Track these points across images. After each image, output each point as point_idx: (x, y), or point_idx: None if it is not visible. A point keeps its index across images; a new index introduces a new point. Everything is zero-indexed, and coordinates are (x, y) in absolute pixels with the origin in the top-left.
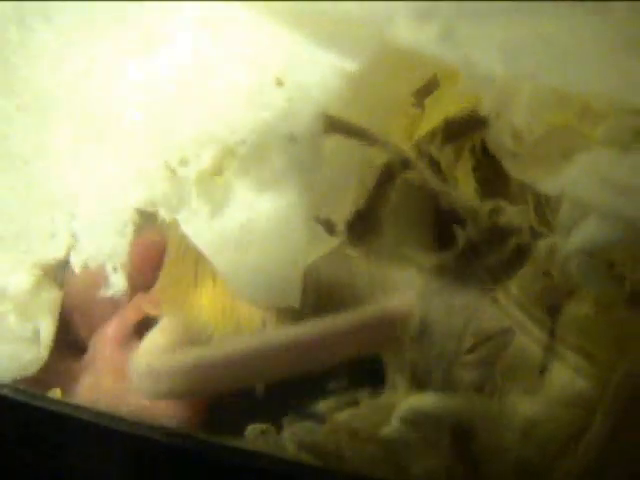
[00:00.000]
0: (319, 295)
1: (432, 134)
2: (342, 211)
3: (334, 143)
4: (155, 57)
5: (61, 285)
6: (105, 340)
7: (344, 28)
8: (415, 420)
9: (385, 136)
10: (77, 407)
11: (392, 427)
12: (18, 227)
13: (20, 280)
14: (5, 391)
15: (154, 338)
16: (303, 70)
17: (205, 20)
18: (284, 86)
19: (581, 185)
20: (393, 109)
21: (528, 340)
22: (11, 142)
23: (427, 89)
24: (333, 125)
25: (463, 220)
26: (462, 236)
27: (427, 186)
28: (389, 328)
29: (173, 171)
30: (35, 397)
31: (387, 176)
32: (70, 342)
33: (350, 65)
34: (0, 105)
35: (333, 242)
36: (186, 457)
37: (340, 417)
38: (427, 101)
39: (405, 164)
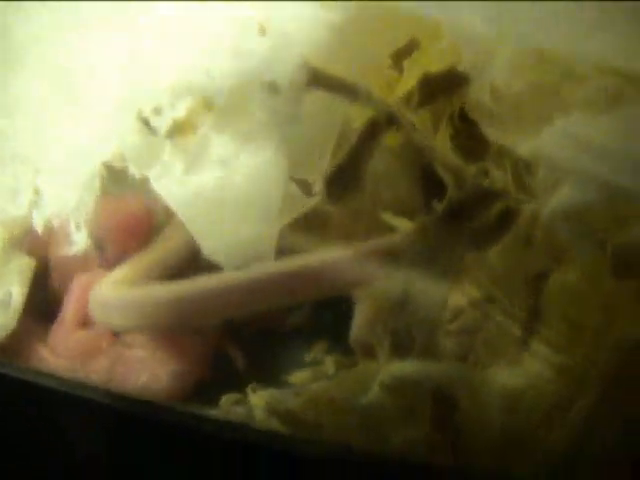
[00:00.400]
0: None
1: (409, 95)
2: (319, 171)
3: (314, 98)
4: (133, 6)
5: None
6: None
7: None
8: (396, 387)
9: (370, 91)
10: (44, 374)
11: (372, 394)
12: None
13: None
14: None
15: (123, 271)
16: (286, 19)
17: None
18: (267, 34)
19: (557, 148)
20: (371, 69)
21: (504, 315)
22: None
23: (406, 51)
24: (316, 77)
25: (446, 181)
26: (446, 198)
27: (411, 143)
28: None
29: (145, 121)
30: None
31: (371, 132)
32: (42, 308)
33: (334, 17)
34: None
35: (309, 203)
36: (157, 427)
37: (317, 386)
38: (405, 63)
39: (390, 120)
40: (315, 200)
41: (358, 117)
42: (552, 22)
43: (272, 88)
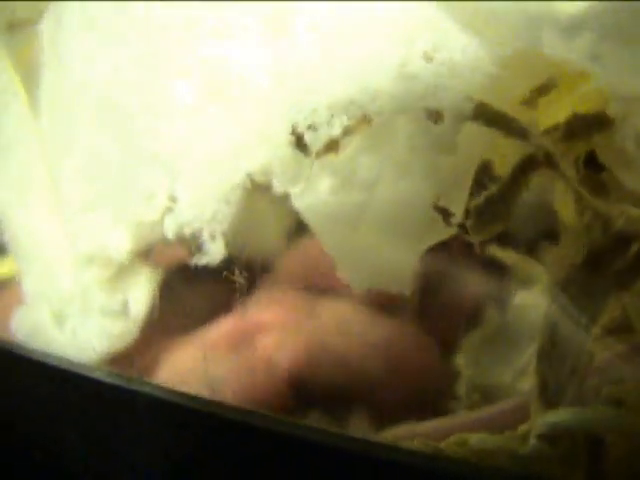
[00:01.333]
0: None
1: (553, 129)
2: (461, 202)
3: (468, 129)
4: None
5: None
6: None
7: (495, 21)
8: (552, 435)
9: (530, 127)
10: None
11: (530, 446)
12: (118, 184)
13: (120, 238)
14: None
15: None
16: (453, 49)
17: None
18: (433, 62)
19: None
20: (513, 105)
21: None
22: (117, 94)
23: (545, 88)
24: (480, 110)
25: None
26: (586, 244)
27: (566, 185)
28: None
29: (300, 137)
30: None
31: (525, 168)
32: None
33: (499, 52)
34: (111, 53)
35: (448, 232)
36: None
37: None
38: (541, 101)
39: (548, 159)
40: (453, 231)
41: (512, 148)
42: None
43: (436, 116)
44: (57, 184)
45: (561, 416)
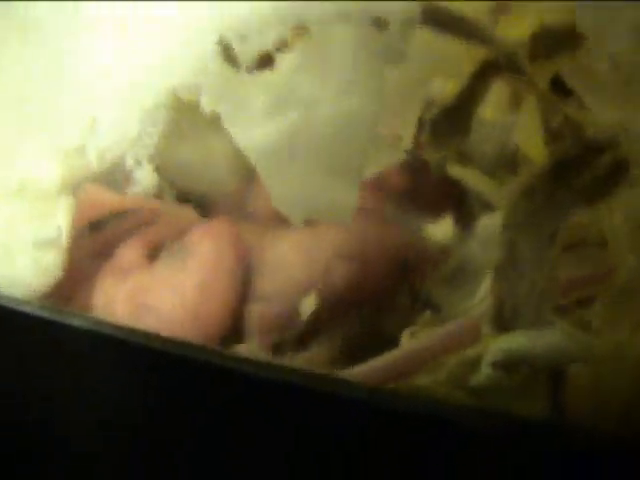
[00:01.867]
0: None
1: (518, 46)
2: (411, 121)
3: (418, 37)
4: None
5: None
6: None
7: None
8: (509, 363)
9: (492, 30)
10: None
11: (483, 375)
12: (46, 110)
13: (49, 168)
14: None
15: None
16: None
17: None
18: None
19: None
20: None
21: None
22: (43, 21)
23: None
24: (431, 12)
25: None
26: (550, 152)
27: (529, 90)
28: None
29: (228, 47)
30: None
31: (484, 74)
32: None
33: None
34: None
35: (396, 155)
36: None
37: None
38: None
39: (509, 64)
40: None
41: (464, 59)
42: None
43: (379, 24)
44: None
45: (518, 341)
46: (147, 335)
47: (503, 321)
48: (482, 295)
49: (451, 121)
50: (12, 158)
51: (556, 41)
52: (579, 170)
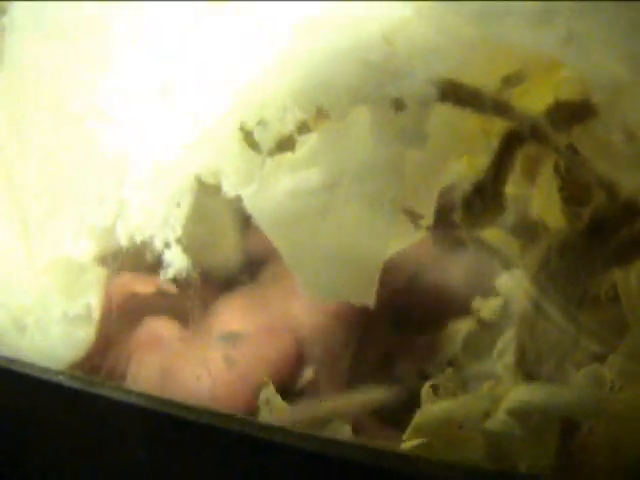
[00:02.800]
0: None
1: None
2: (429, 201)
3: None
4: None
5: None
6: None
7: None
8: (523, 413)
9: (510, 101)
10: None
11: (498, 420)
12: (74, 191)
13: (83, 244)
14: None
15: None
16: (413, 34)
17: None
18: (392, 45)
19: None
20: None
21: None
22: (65, 100)
23: (517, 77)
24: (450, 88)
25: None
26: (591, 211)
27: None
28: None
29: (248, 133)
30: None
31: (509, 145)
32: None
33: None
34: (55, 57)
35: (416, 236)
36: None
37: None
38: (516, 91)
39: (535, 131)
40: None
41: (494, 126)
42: None
43: (396, 105)
44: (12, 192)
45: (537, 394)
46: (175, 404)
47: (524, 371)
48: (501, 347)
49: (482, 197)
50: (44, 234)
51: (570, 112)
52: (616, 230)
